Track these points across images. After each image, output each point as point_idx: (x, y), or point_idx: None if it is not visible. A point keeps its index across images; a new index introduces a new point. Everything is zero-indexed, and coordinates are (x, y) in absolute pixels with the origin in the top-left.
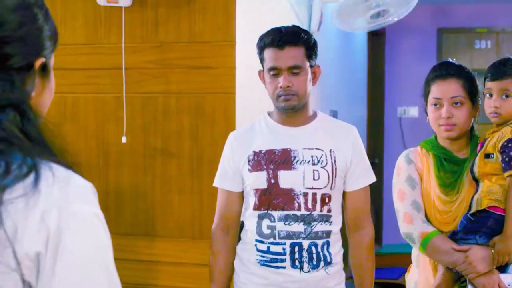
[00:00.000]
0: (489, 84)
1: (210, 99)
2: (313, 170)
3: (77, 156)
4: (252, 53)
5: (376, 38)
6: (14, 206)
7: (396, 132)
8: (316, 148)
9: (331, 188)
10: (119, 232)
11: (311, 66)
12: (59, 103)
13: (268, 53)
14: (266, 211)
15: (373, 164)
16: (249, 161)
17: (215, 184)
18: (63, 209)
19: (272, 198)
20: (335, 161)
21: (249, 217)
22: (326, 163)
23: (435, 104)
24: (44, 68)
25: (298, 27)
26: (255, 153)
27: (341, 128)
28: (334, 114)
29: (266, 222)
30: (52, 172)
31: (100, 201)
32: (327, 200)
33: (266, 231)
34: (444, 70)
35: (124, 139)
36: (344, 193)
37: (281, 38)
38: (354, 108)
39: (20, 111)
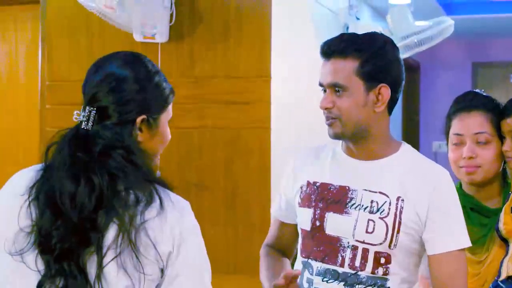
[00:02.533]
0: (507, 121)
1: (245, 134)
2: (368, 220)
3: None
4: (287, 88)
5: (411, 72)
6: (153, 223)
7: None
8: (380, 192)
9: (390, 246)
10: None
11: (370, 87)
12: None
13: (321, 63)
14: (307, 259)
15: None
16: (301, 192)
17: (271, 211)
18: (180, 222)
19: (314, 245)
20: (400, 212)
21: (297, 263)
22: (388, 213)
23: (456, 143)
24: (148, 122)
25: (370, 34)
26: (308, 183)
27: (423, 170)
28: None
29: (306, 274)
30: (168, 195)
31: None
32: (383, 260)
33: (305, 285)
34: (468, 101)
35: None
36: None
37: (327, 45)
38: None
39: (127, 150)
